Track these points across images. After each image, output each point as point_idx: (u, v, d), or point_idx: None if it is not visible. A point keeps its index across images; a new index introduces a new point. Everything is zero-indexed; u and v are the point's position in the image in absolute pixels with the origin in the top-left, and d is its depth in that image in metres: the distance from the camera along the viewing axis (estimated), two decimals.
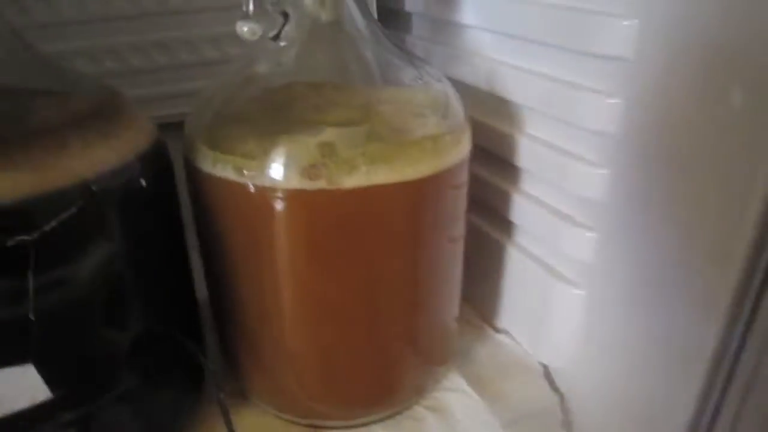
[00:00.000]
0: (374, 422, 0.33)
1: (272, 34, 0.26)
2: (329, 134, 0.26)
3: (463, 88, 0.32)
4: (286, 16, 0.26)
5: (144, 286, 0.26)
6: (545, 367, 0.37)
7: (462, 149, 0.29)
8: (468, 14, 0.37)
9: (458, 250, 0.32)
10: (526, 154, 0.34)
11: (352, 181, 0.25)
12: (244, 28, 0.25)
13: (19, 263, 0.21)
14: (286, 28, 0.26)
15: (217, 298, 0.31)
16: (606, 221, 0.30)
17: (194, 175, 0.28)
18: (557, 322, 0.35)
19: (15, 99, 0.25)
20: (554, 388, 0.36)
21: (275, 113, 0.28)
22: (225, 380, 0.34)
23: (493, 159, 0.36)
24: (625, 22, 0.26)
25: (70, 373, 0.23)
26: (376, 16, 0.44)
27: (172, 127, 0.30)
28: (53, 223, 0.21)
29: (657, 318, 0.28)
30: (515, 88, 0.34)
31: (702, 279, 0.25)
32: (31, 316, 0.21)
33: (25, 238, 0.21)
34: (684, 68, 0.24)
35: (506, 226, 0.38)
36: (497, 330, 0.40)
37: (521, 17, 0.32)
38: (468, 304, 0.42)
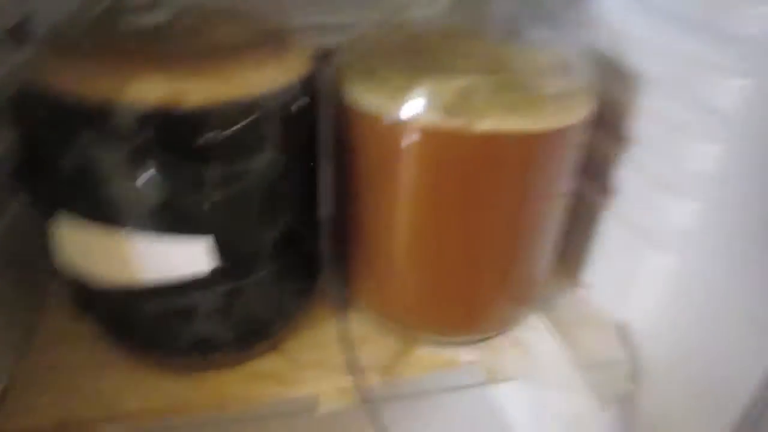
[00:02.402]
0: (460, 344, 0.37)
1: None
2: (468, 80, 0.29)
3: (587, 52, 0.34)
4: None
5: (289, 190, 0.30)
6: (623, 323, 0.39)
7: (585, 110, 0.31)
8: None
9: (562, 205, 0.35)
10: (639, 124, 0.36)
11: (485, 124, 0.28)
12: None
13: (209, 156, 0.26)
14: None
15: (340, 212, 0.36)
16: (713, 193, 0.32)
17: (341, 104, 0.31)
18: (642, 283, 0.37)
19: (207, 16, 0.30)
20: (627, 343, 0.39)
21: (417, 56, 0.31)
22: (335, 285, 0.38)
23: (603, 125, 0.38)
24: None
25: (232, 251, 0.28)
26: None
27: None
28: (236, 127, 0.26)
29: (743, 289, 0.30)
30: (639, 59, 0.36)
31: None
32: (213, 199, 0.26)
33: (214, 136, 0.25)
34: None
35: (604, 188, 0.40)
36: (581, 284, 0.43)
37: None
38: (557, 256, 0.44)
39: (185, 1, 0.29)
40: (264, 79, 0.28)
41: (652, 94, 0.35)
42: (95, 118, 0.25)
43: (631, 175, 0.37)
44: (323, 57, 0.33)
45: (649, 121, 0.35)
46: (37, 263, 0.37)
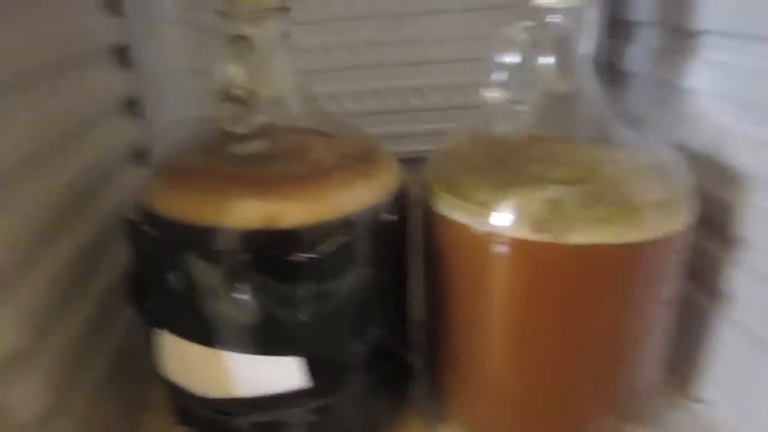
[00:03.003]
0: None
1: (513, 99, 0.30)
2: (556, 191, 0.28)
3: (683, 152, 0.33)
4: (526, 85, 0.30)
5: (380, 304, 0.31)
6: None
7: (686, 217, 0.30)
8: (697, 79, 0.37)
9: (668, 313, 0.33)
10: (749, 225, 0.33)
11: (576, 238, 0.27)
12: (488, 95, 0.29)
13: (303, 275, 0.26)
14: (527, 95, 0.30)
15: (432, 322, 0.35)
16: None
17: (431, 215, 0.32)
18: (764, 397, 0.33)
19: (301, 138, 0.32)
20: None
21: (504, 164, 0.31)
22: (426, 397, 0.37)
23: (710, 225, 0.36)
24: None
25: (324, 368, 0.28)
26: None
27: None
28: (333, 247, 0.27)
29: None
30: (744, 157, 0.34)
31: None
32: (306, 317, 0.27)
33: (313, 256, 0.26)
34: None
35: (716, 294, 0.37)
36: (692, 398, 0.39)
37: (757, 86, 0.32)
38: (666, 368, 0.41)
39: (282, 125, 0.32)
40: (354, 198, 0.29)
41: (760, 193, 0.33)
42: (196, 241, 0.27)
43: (745, 280, 0.34)
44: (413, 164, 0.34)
45: (760, 221, 0.33)
46: (141, 371, 0.39)
